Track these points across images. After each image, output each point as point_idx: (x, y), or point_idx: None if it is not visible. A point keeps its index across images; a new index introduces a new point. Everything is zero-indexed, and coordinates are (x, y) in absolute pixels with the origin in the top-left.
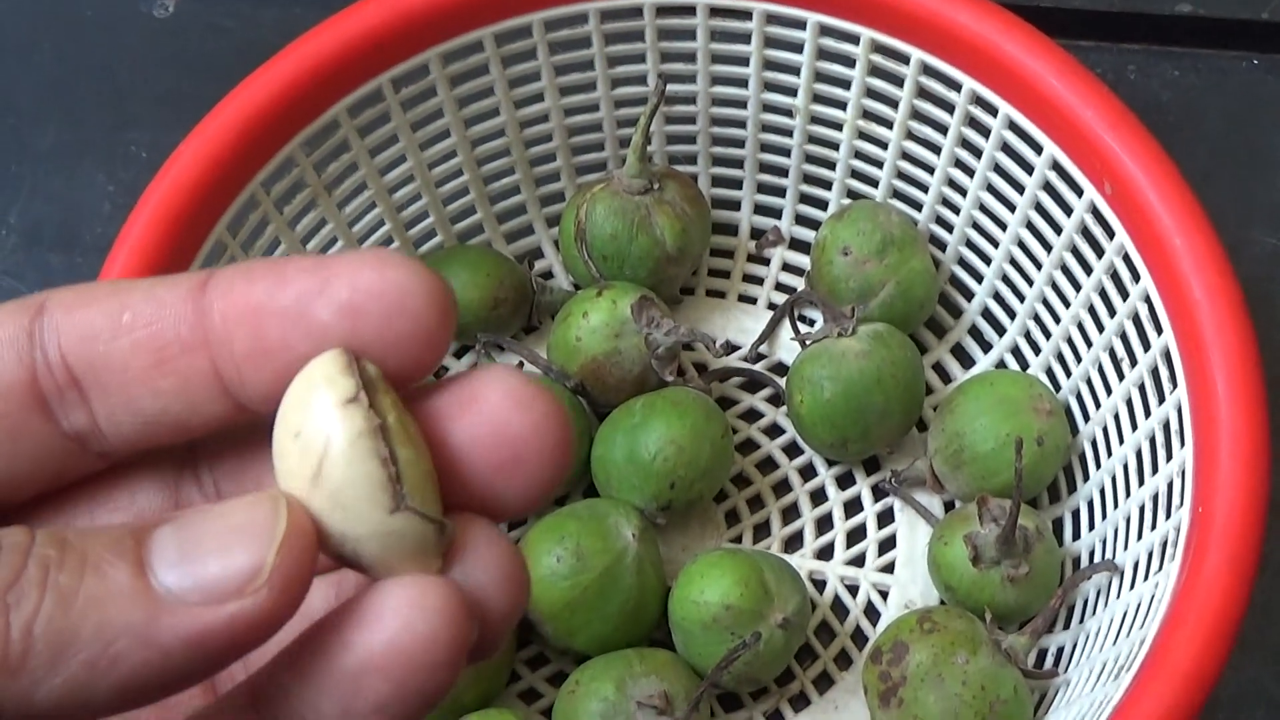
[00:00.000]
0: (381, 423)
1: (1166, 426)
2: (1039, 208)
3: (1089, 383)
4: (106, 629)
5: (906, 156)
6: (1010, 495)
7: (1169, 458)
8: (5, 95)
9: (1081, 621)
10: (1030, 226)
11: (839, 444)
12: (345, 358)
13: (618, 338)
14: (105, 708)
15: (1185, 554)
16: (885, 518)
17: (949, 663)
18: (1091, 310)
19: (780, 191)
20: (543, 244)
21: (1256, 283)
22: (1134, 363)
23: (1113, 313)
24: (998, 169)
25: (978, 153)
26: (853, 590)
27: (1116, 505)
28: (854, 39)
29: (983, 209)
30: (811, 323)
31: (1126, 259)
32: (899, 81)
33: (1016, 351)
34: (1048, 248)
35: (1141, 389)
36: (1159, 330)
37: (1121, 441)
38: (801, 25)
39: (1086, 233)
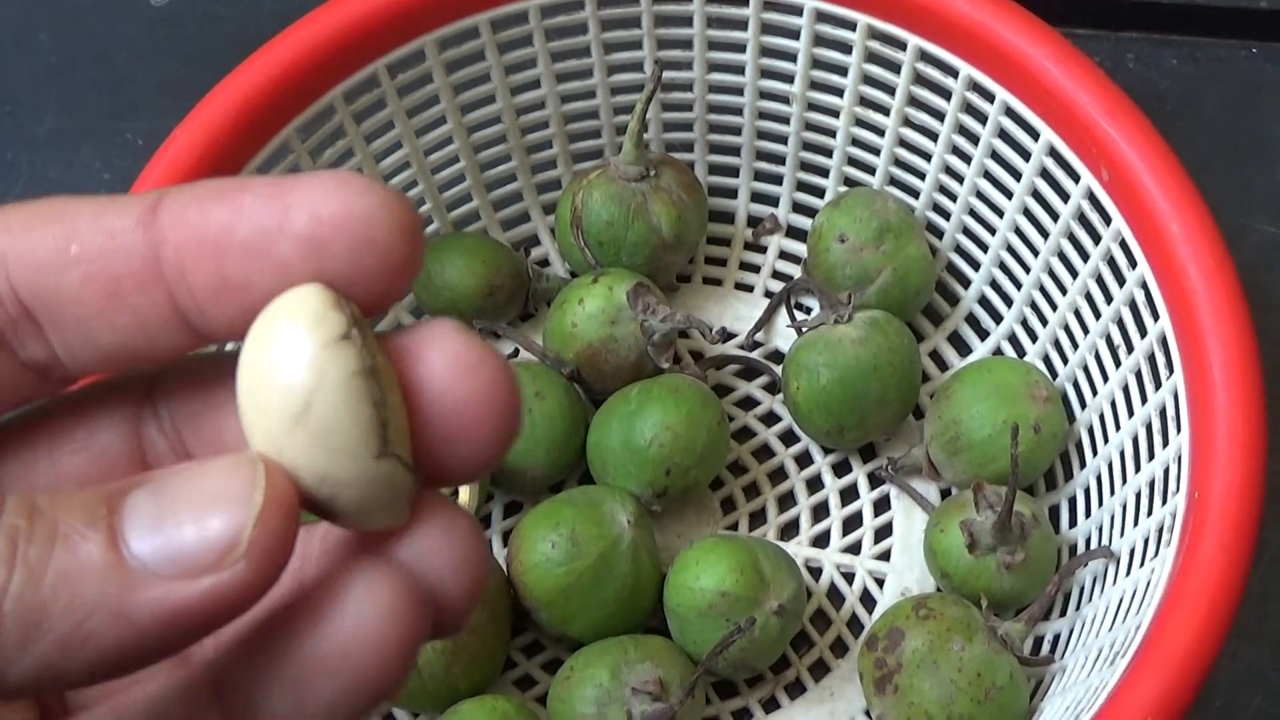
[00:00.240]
0: (373, 364)
1: (1163, 413)
2: (1036, 194)
3: (1085, 369)
4: (78, 605)
5: (903, 143)
6: (1006, 482)
7: (1165, 444)
8: (3, 83)
9: (1078, 608)
10: (1027, 213)
11: (835, 431)
12: (330, 294)
13: (614, 324)
14: (80, 681)
15: (1181, 540)
16: (881, 505)
17: (945, 649)
18: (1088, 297)
19: (777, 179)
20: (539, 231)
21: (1254, 270)
22: (1130, 349)
23: (1109, 299)
24: (995, 156)
25: (975, 139)
26: (849, 577)
27: (1113, 492)
28: (851, 25)
29: (980, 196)
30: (808, 310)
31: (1123, 245)
32: (896, 68)
33: (1013, 339)
34: (1045, 234)
35: (1138, 375)
36: (1155, 316)
37: (1118, 428)
38: (798, 12)
39: (1083, 219)
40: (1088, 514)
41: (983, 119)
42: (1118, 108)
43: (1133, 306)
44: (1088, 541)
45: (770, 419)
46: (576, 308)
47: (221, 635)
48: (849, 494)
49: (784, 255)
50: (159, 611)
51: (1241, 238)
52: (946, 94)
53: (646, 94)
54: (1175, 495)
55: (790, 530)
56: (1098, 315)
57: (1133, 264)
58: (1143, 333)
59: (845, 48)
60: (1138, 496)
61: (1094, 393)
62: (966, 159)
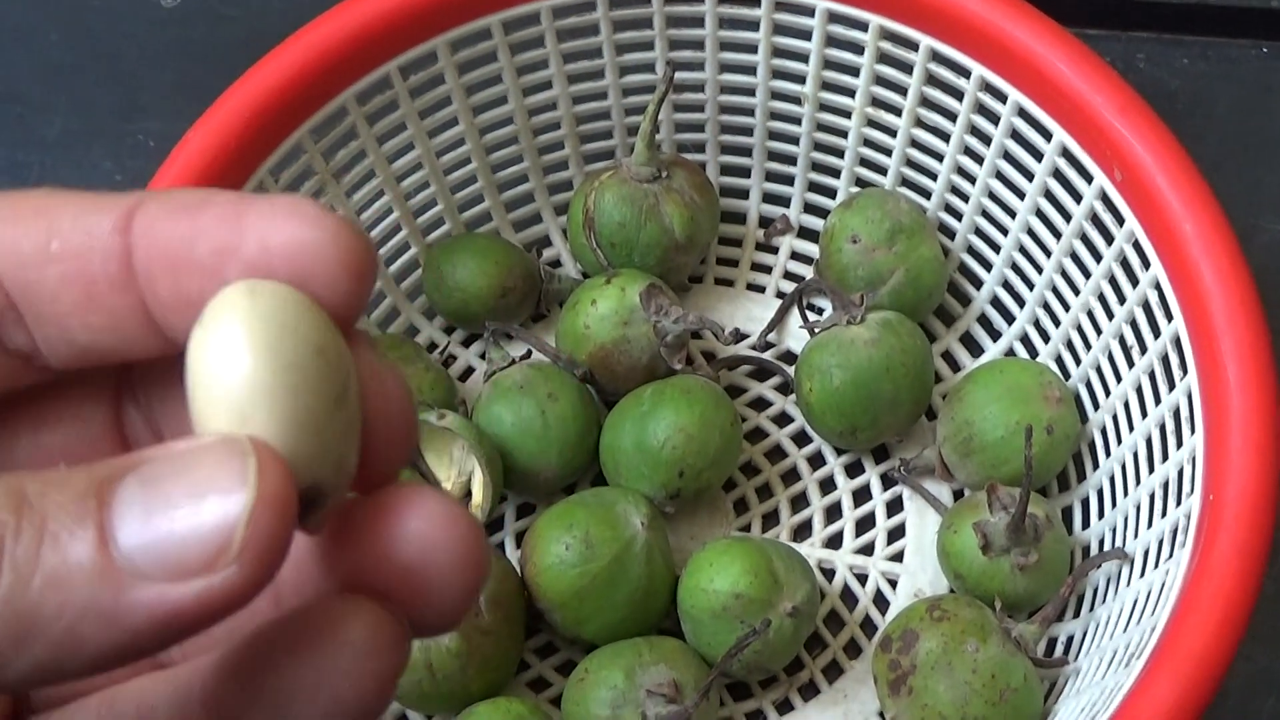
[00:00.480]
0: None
1: (1177, 414)
2: (1048, 195)
3: (1099, 370)
4: (69, 609)
5: (915, 144)
6: (1020, 483)
7: (1179, 445)
8: (13, 84)
9: (1091, 609)
10: (1040, 214)
11: (848, 432)
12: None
13: (626, 326)
14: (76, 678)
15: (1196, 541)
16: (894, 506)
17: (959, 651)
18: (1101, 297)
19: (789, 179)
20: (550, 232)
21: (1266, 271)
22: (1144, 350)
23: (1123, 300)
24: (1007, 156)
25: (987, 140)
26: (862, 579)
27: (1126, 493)
28: (863, 26)
29: (992, 196)
30: (820, 311)
31: (1136, 246)
32: (908, 69)
33: (1026, 339)
34: (1057, 235)
35: (1151, 376)
36: (1169, 317)
37: (1131, 429)
38: (810, 12)
39: (1096, 220)
40: (1101, 515)
41: (995, 119)
42: (1131, 108)
43: (1146, 307)
44: (1101, 543)
45: (783, 420)
46: (589, 309)
47: (209, 644)
48: (862, 495)
49: (796, 256)
50: (150, 615)
51: (1253, 237)
52: (959, 94)
53: (659, 95)
54: (1190, 497)
55: (803, 531)
56: (1110, 316)
57: (1146, 264)
58: (1156, 333)
59: (857, 48)
60: (1151, 498)
61: (1107, 394)
62: (979, 159)
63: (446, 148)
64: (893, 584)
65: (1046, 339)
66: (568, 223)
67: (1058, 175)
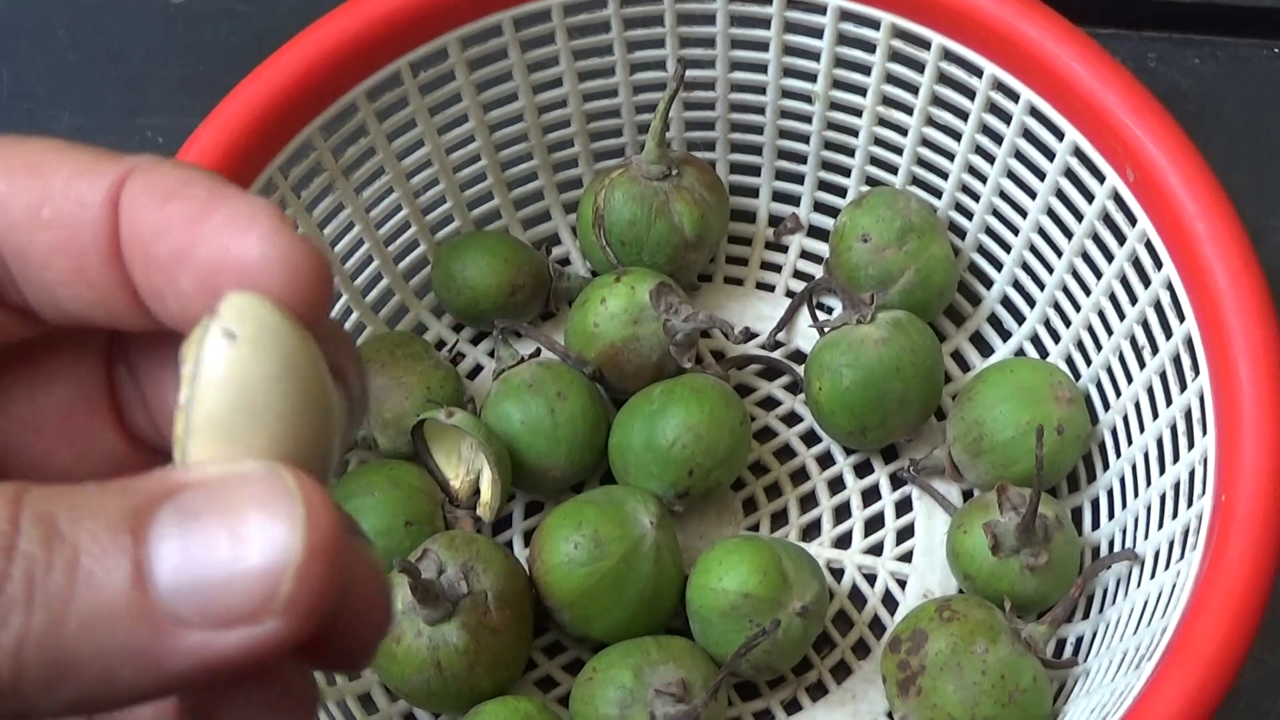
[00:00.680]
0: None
1: (1188, 414)
2: (1060, 194)
3: (1109, 371)
4: (106, 654)
5: (926, 143)
6: (1030, 484)
7: (1191, 446)
8: (21, 81)
9: (1101, 611)
10: (1051, 213)
11: (857, 432)
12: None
13: (636, 324)
14: (103, 712)
15: (1207, 543)
16: (904, 506)
17: (968, 652)
18: (1112, 297)
19: (799, 178)
20: (560, 230)
21: (1275, 272)
22: (1155, 350)
23: (1134, 300)
24: (1019, 155)
25: (999, 139)
26: (871, 579)
27: (1137, 494)
28: (874, 24)
29: (1003, 196)
30: (830, 310)
31: (1149, 246)
32: (919, 67)
33: (1036, 339)
34: (1069, 235)
35: (1163, 377)
36: (1181, 318)
37: (1142, 430)
38: (822, 10)
39: (1108, 219)
40: (1111, 516)
41: (1007, 118)
42: (1144, 107)
43: (1158, 307)
44: (1111, 544)
45: (792, 419)
46: (599, 307)
47: None
48: (871, 495)
49: (806, 255)
50: (191, 662)
51: (1264, 238)
52: (970, 93)
53: (669, 93)
54: (1201, 498)
55: (812, 531)
56: (1122, 316)
57: (1158, 264)
58: (1168, 334)
59: (869, 46)
60: (1162, 499)
61: (1118, 394)
62: (990, 158)
63: (456, 145)
64: (902, 584)
65: (1057, 339)
66: (577, 221)
67: (1070, 175)
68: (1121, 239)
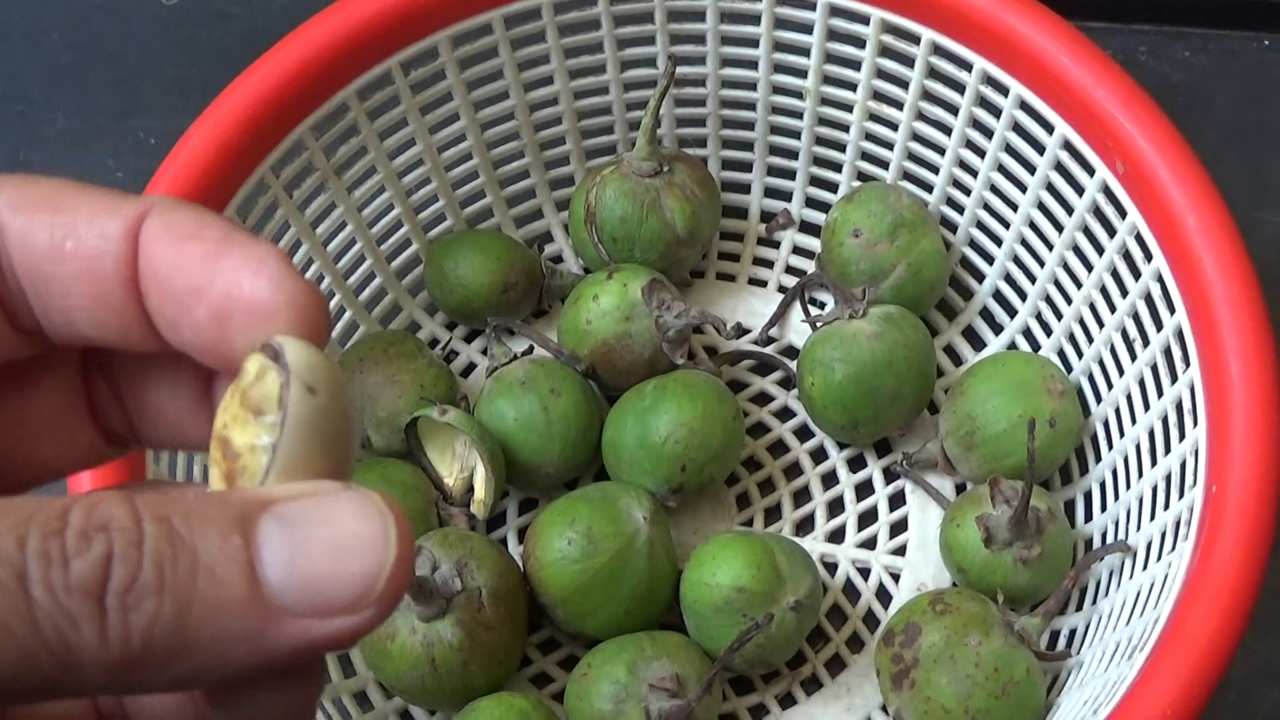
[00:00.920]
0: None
1: (1179, 406)
2: (1050, 188)
3: (1101, 363)
4: (222, 637)
5: (917, 138)
6: (1022, 477)
7: (1182, 437)
8: (15, 82)
9: (1094, 602)
10: (1042, 207)
11: (850, 426)
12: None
13: (628, 321)
14: (205, 686)
15: (1198, 534)
16: (897, 500)
17: (961, 644)
18: (1103, 290)
19: (790, 174)
20: (552, 228)
21: (1268, 263)
22: (1146, 343)
23: (1125, 293)
24: (1009, 149)
25: (989, 133)
26: (864, 573)
27: (1129, 486)
28: (864, 19)
29: (994, 190)
30: (822, 305)
31: (1139, 238)
32: (909, 62)
33: (1028, 333)
34: (1059, 228)
35: (1154, 369)
36: (1171, 310)
37: (1134, 422)
38: (811, 6)
39: (1098, 212)
40: (1104, 508)
41: (997, 113)
42: (1133, 101)
43: (1148, 300)
44: (1104, 536)
45: (785, 414)
46: (591, 304)
47: None
48: (864, 489)
49: (798, 250)
50: (293, 646)
51: (1254, 230)
52: (960, 88)
53: (660, 90)
54: (1192, 489)
55: (806, 526)
56: (1113, 309)
57: (1148, 257)
58: (1158, 326)
59: (859, 42)
60: (1154, 491)
61: (1109, 387)
62: (980, 153)
63: (448, 143)
64: (895, 578)
65: (1049, 332)
66: (569, 218)
67: (1060, 168)
68: (1112, 232)
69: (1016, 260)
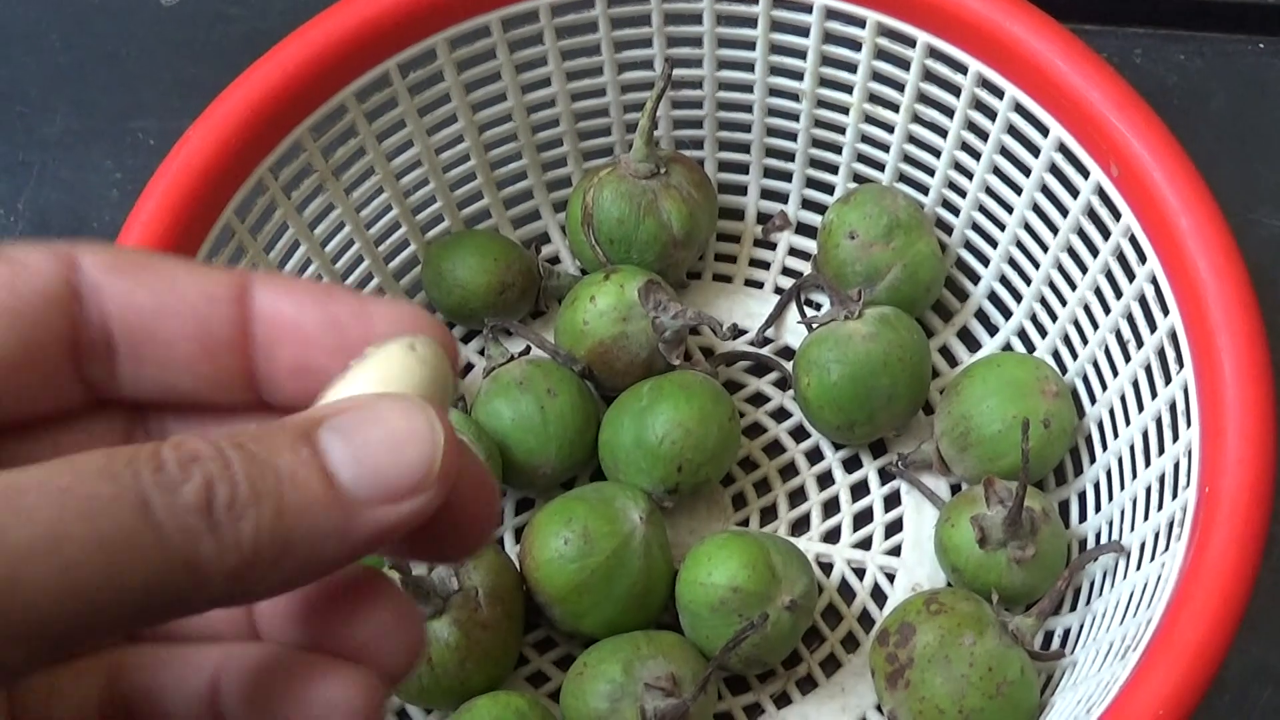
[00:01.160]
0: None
1: (1173, 407)
2: (1045, 190)
3: (1095, 365)
4: (314, 534)
5: (912, 140)
6: (1017, 477)
7: (1175, 438)
8: (14, 84)
9: (1088, 603)
10: (1036, 209)
11: (846, 427)
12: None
13: (625, 321)
14: (301, 585)
15: (1192, 534)
16: (892, 501)
17: (956, 644)
18: (1098, 292)
19: (787, 176)
20: (549, 229)
21: (1262, 266)
22: (1140, 344)
23: (1119, 294)
24: (1004, 152)
25: (984, 135)
26: (860, 573)
27: (1123, 487)
28: (860, 22)
29: (989, 192)
30: (818, 306)
31: (1133, 240)
32: (905, 65)
33: (1023, 334)
34: (1054, 230)
35: (1148, 370)
36: (1165, 311)
37: (1128, 423)
38: (808, 9)
39: (1093, 214)
40: (1098, 509)
41: (992, 115)
42: (1127, 103)
43: (1142, 301)
44: (1098, 536)
45: (781, 415)
46: (588, 305)
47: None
48: (859, 490)
49: (794, 252)
50: (373, 532)
51: (1249, 232)
52: (956, 90)
53: (657, 91)
54: (1186, 490)
55: (801, 526)
56: (1107, 310)
57: (1142, 259)
58: (1153, 327)
59: (855, 45)
60: (1148, 491)
61: (1104, 388)
62: (976, 155)
63: (445, 145)
64: (890, 578)
65: (1044, 333)
66: (566, 219)
67: (1054, 171)
68: (1106, 234)
69: (1011, 262)
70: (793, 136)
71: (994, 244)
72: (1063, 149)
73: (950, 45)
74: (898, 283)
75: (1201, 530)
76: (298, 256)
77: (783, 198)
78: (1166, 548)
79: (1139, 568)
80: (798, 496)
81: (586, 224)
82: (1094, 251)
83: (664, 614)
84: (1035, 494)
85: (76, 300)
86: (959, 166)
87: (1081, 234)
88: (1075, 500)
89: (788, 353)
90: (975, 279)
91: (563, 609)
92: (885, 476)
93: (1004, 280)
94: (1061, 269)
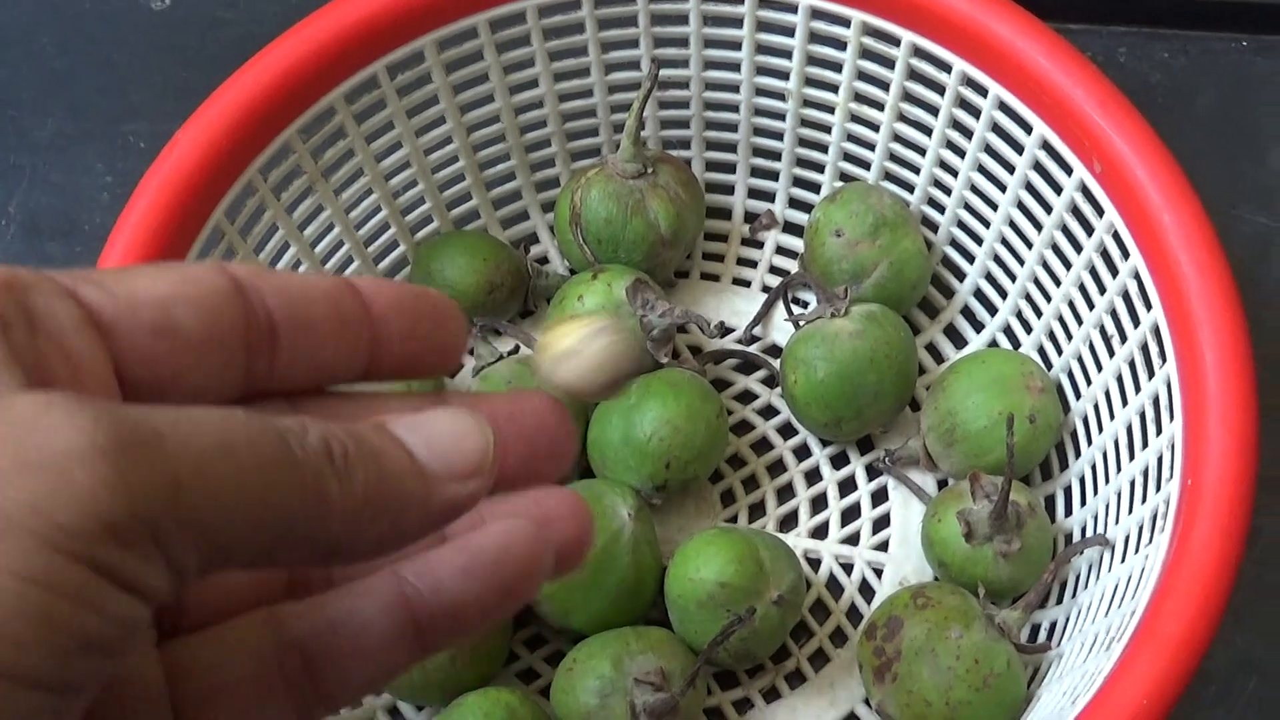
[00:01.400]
0: None
1: (1156, 401)
2: (1029, 187)
3: (1080, 360)
4: (403, 497)
5: (898, 138)
6: (1003, 472)
7: (1159, 432)
8: (6, 87)
9: (1074, 596)
10: (1021, 206)
11: (833, 423)
12: None
13: None
14: (385, 552)
15: (1175, 526)
16: (879, 496)
17: (943, 637)
18: (1082, 288)
19: (773, 175)
20: (538, 229)
21: (1245, 261)
22: (1124, 339)
23: (1103, 290)
24: (988, 149)
25: (968, 133)
26: (847, 568)
27: (1108, 480)
28: (845, 22)
29: (974, 189)
30: (805, 305)
31: (1116, 236)
32: (890, 64)
33: (1008, 330)
34: (1038, 227)
35: (1131, 365)
36: (1148, 306)
37: (1112, 417)
38: (793, 9)
39: (1076, 211)
40: (1083, 502)
41: (976, 113)
42: (1110, 101)
43: (1125, 297)
44: (1083, 530)
45: (769, 412)
46: (576, 304)
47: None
48: (847, 486)
49: (781, 250)
50: (446, 503)
51: (1233, 228)
52: (940, 89)
53: (643, 92)
54: (1169, 482)
55: (789, 522)
56: (1091, 306)
57: (1125, 255)
58: (1136, 322)
59: (840, 44)
60: (1132, 484)
61: (1088, 383)
62: (960, 153)
63: (434, 146)
64: (878, 573)
65: (1029, 329)
66: (555, 219)
67: (1038, 168)
68: (1090, 230)
69: (997, 259)
70: (779, 136)
71: (979, 241)
72: (1046, 146)
73: (935, 44)
74: (884, 280)
75: (1184, 522)
76: (288, 257)
77: (770, 197)
78: (1150, 540)
79: (1124, 560)
80: (786, 493)
81: (574, 224)
82: (1078, 248)
83: (653, 610)
84: (1021, 489)
85: (243, 294)
86: (944, 164)
87: (1065, 230)
88: (1061, 494)
89: (775, 350)
90: (961, 276)
91: (552, 605)
92: (872, 472)
93: (989, 277)
94: (1046, 265)
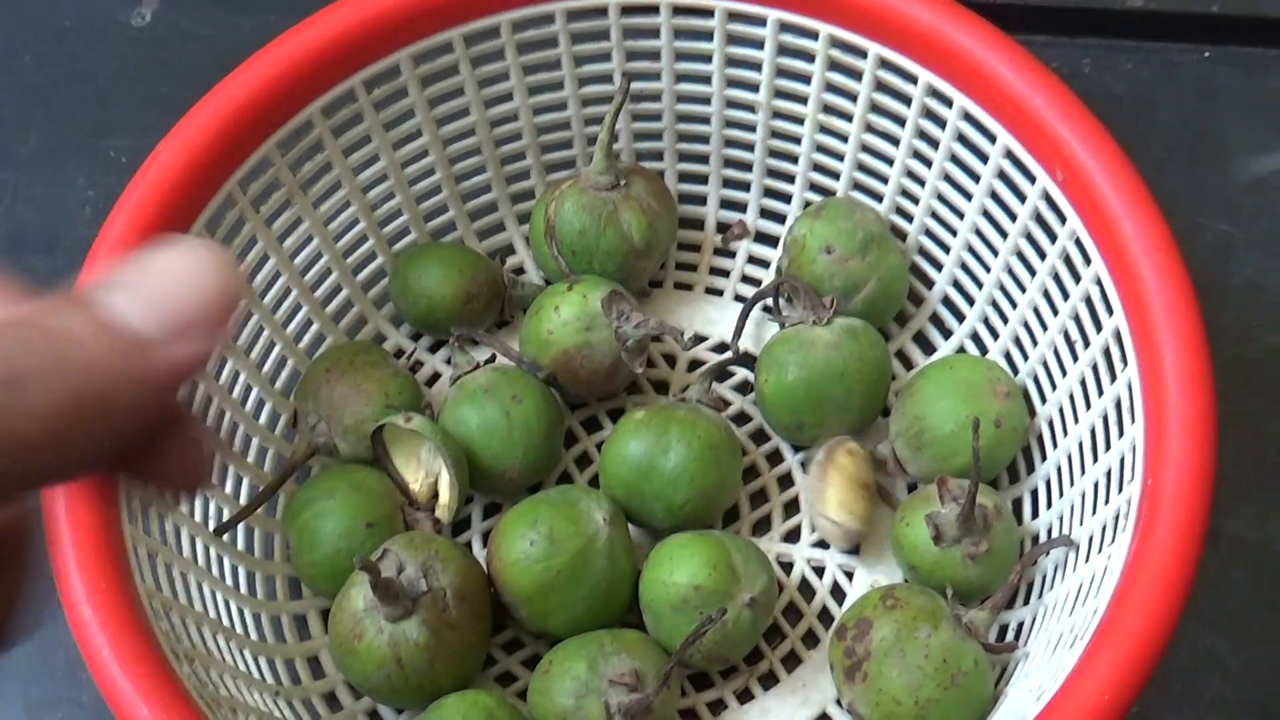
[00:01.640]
0: None
1: (1118, 404)
2: (994, 196)
3: (1045, 365)
4: (112, 384)
5: (866, 149)
6: (969, 476)
7: (1121, 434)
8: None
9: (1040, 596)
10: (987, 215)
11: (795, 427)
12: None
13: (588, 331)
14: (115, 444)
15: (1136, 526)
16: None
17: (911, 637)
18: (1046, 294)
19: (745, 186)
20: (514, 240)
21: (1208, 267)
22: (1087, 344)
23: (1066, 296)
24: (954, 159)
25: (935, 144)
26: (819, 572)
27: (1073, 483)
28: (813, 34)
29: (941, 199)
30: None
31: (1079, 243)
32: (857, 75)
33: (976, 337)
34: (1004, 235)
35: (1094, 369)
36: (1110, 311)
37: (1076, 421)
38: (762, 22)
39: (1040, 219)
40: (1049, 505)
41: (942, 124)
42: (1071, 110)
43: (1088, 303)
44: (1049, 531)
45: (741, 419)
46: (552, 315)
47: None
48: None
49: (753, 260)
50: (168, 368)
51: (1196, 235)
52: (907, 100)
53: (615, 105)
54: (1130, 483)
55: (763, 526)
56: (1055, 312)
57: (1087, 261)
58: (1098, 327)
59: (808, 56)
60: (1095, 486)
61: (1053, 387)
62: (927, 163)
63: (411, 159)
64: (849, 576)
65: (996, 336)
66: (530, 231)
67: (1003, 177)
68: (1053, 237)
69: (964, 267)
70: (750, 147)
71: (947, 249)
72: (1010, 156)
73: (901, 56)
74: (874, 295)
75: (1145, 523)
76: (267, 269)
77: (741, 207)
78: (1113, 539)
79: (1088, 560)
80: (759, 498)
81: (549, 235)
82: (1042, 255)
83: (628, 613)
84: (988, 492)
85: None
86: (912, 174)
87: (1030, 238)
88: (1028, 497)
89: (748, 359)
90: (929, 284)
91: (529, 609)
92: None
93: (957, 284)
94: (1011, 272)
